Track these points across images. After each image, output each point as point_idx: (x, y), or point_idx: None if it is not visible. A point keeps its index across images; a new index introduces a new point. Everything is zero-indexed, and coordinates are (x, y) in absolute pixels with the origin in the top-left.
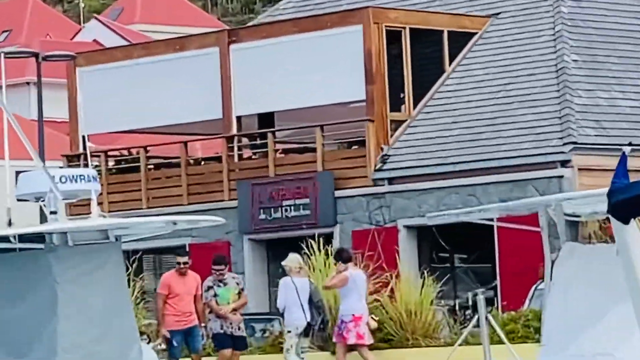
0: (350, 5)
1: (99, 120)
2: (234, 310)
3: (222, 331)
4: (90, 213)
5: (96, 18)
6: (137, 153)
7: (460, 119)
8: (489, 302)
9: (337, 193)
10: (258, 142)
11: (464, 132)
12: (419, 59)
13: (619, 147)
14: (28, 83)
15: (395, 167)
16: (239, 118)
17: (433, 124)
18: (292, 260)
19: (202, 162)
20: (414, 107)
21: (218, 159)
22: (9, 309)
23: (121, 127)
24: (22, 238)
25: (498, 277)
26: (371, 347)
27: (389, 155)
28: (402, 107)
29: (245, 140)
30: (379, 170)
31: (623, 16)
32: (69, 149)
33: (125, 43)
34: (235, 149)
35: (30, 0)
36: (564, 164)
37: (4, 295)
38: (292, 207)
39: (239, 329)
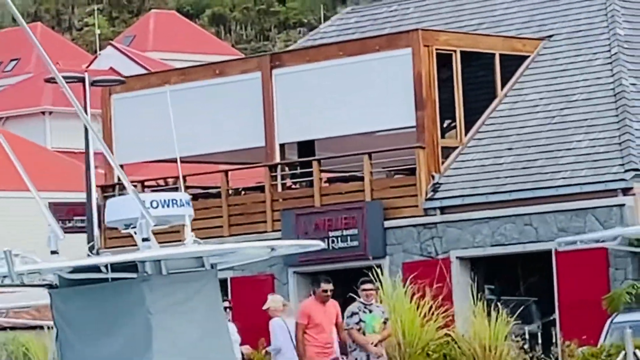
0: (395, 29)
1: (134, 149)
2: (380, 341)
3: None
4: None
5: (112, 45)
6: (175, 183)
7: (514, 145)
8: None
9: (387, 223)
10: (299, 170)
11: (518, 159)
12: (469, 83)
13: None
14: (43, 112)
15: (447, 195)
16: (282, 146)
17: (485, 151)
18: (276, 300)
19: (243, 192)
20: (466, 134)
21: (260, 189)
22: (101, 343)
23: (158, 156)
24: (113, 267)
25: (557, 310)
26: None
27: (440, 184)
28: (449, 133)
29: (287, 169)
30: (430, 199)
31: None
32: (104, 179)
33: (143, 71)
34: (279, 177)
35: (39, 27)
36: (626, 192)
37: (94, 328)
38: (340, 238)
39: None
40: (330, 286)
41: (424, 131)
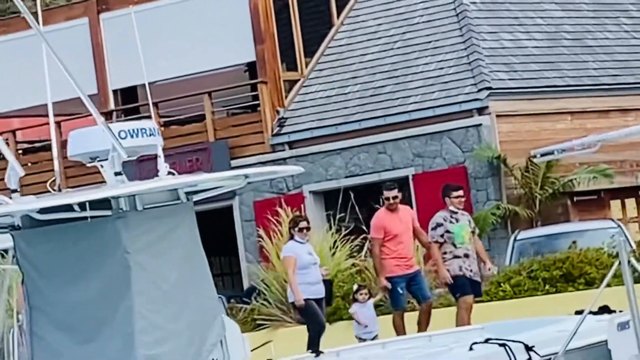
0: None
1: None
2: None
3: (461, 273)
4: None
5: None
6: (7, 139)
7: (358, 74)
8: None
9: (233, 162)
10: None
11: (364, 87)
12: (305, 14)
13: (533, 90)
14: None
15: (294, 130)
16: (115, 92)
17: (329, 82)
18: None
19: None
20: (306, 66)
21: None
22: (75, 287)
23: None
24: (84, 206)
25: None
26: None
27: (286, 118)
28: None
29: (123, 116)
30: (277, 134)
31: None
32: None
33: None
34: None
35: None
36: (481, 111)
37: (66, 272)
38: None
39: (475, 274)
40: (394, 192)
41: (264, 66)
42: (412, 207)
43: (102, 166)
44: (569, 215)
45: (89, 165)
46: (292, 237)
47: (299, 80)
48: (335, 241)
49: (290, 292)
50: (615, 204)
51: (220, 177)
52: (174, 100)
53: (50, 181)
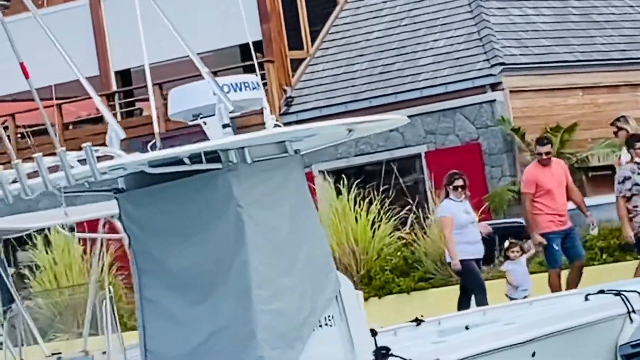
0: None
1: None
2: None
3: None
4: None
5: None
6: (4, 123)
7: (365, 52)
8: None
9: None
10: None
11: (372, 65)
12: None
13: (545, 65)
14: None
15: (302, 109)
16: (117, 73)
17: (335, 60)
18: None
19: (74, 127)
20: (312, 44)
21: (99, 120)
22: (186, 246)
23: None
24: (195, 158)
25: None
26: None
27: (293, 97)
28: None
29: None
30: (285, 114)
31: None
32: None
33: None
34: (117, 106)
35: None
36: (494, 87)
37: (178, 231)
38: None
39: None
40: (547, 148)
41: (271, 44)
42: (424, 186)
43: (205, 123)
44: (584, 191)
45: (190, 123)
46: (447, 196)
47: (305, 59)
48: (377, 214)
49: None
50: None
51: (324, 127)
52: (178, 80)
53: (151, 144)
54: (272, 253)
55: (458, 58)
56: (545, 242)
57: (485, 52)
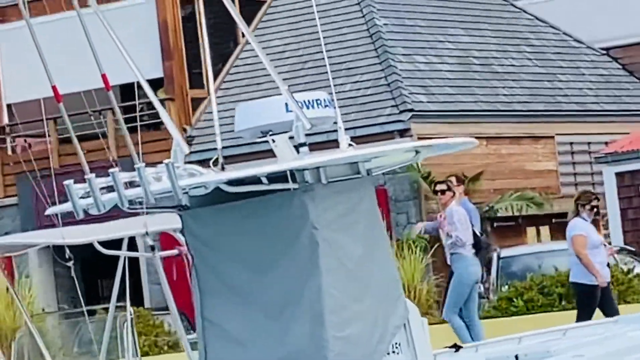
0: None
1: None
2: None
3: None
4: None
5: None
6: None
7: (269, 93)
8: None
9: None
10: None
11: None
12: (211, 31)
13: (451, 113)
14: None
15: (204, 148)
16: (9, 106)
17: (238, 100)
18: None
19: None
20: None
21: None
22: (256, 267)
23: None
24: (271, 178)
25: None
26: None
27: (194, 137)
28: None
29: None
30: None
31: None
32: None
33: None
34: (8, 140)
35: None
36: (403, 133)
37: (247, 251)
38: None
39: None
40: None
41: (172, 82)
42: None
43: (273, 141)
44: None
45: (258, 140)
46: (577, 214)
47: (205, 98)
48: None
49: (575, 272)
50: (531, 231)
51: (394, 149)
52: (76, 115)
53: (212, 160)
54: (345, 277)
55: (365, 103)
56: None
57: (393, 98)
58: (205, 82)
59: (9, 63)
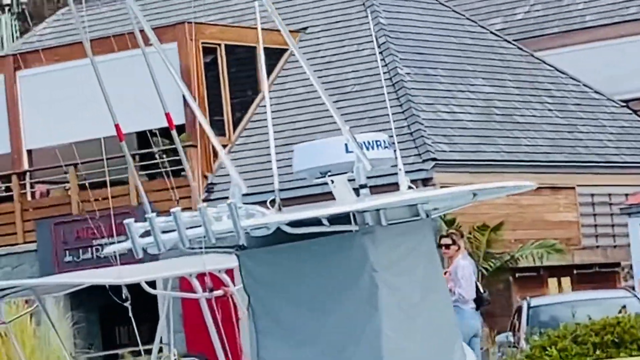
0: (126, 27)
1: None
2: None
3: None
4: None
5: None
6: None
7: (290, 141)
8: None
9: None
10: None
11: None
12: (232, 78)
13: (473, 163)
14: None
15: (224, 196)
16: (29, 152)
17: (258, 148)
18: None
19: None
20: (233, 131)
21: (8, 199)
22: (314, 309)
23: None
24: (331, 219)
25: None
26: None
27: (215, 184)
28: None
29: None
30: (206, 200)
31: (437, 28)
32: None
33: None
34: (28, 185)
35: None
36: (425, 182)
37: (306, 292)
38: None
39: None
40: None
41: (194, 129)
42: None
43: (332, 182)
44: (510, 291)
45: (316, 180)
46: None
47: (226, 145)
48: None
49: None
50: (552, 282)
51: (452, 192)
52: (95, 161)
53: (269, 200)
54: (404, 320)
55: None
56: None
57: (416, 147)
58: (226, 129)
59: (29, 108)
